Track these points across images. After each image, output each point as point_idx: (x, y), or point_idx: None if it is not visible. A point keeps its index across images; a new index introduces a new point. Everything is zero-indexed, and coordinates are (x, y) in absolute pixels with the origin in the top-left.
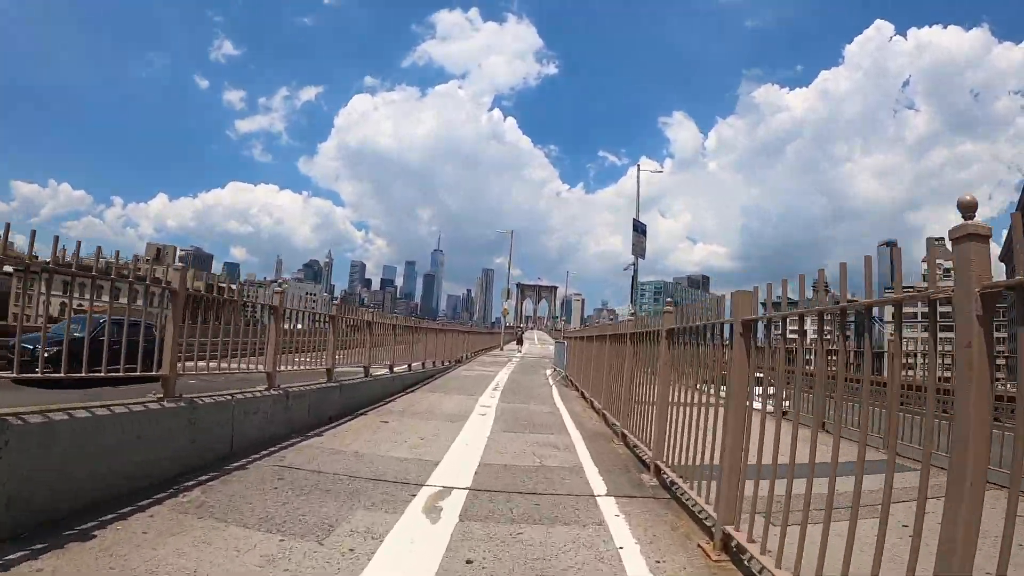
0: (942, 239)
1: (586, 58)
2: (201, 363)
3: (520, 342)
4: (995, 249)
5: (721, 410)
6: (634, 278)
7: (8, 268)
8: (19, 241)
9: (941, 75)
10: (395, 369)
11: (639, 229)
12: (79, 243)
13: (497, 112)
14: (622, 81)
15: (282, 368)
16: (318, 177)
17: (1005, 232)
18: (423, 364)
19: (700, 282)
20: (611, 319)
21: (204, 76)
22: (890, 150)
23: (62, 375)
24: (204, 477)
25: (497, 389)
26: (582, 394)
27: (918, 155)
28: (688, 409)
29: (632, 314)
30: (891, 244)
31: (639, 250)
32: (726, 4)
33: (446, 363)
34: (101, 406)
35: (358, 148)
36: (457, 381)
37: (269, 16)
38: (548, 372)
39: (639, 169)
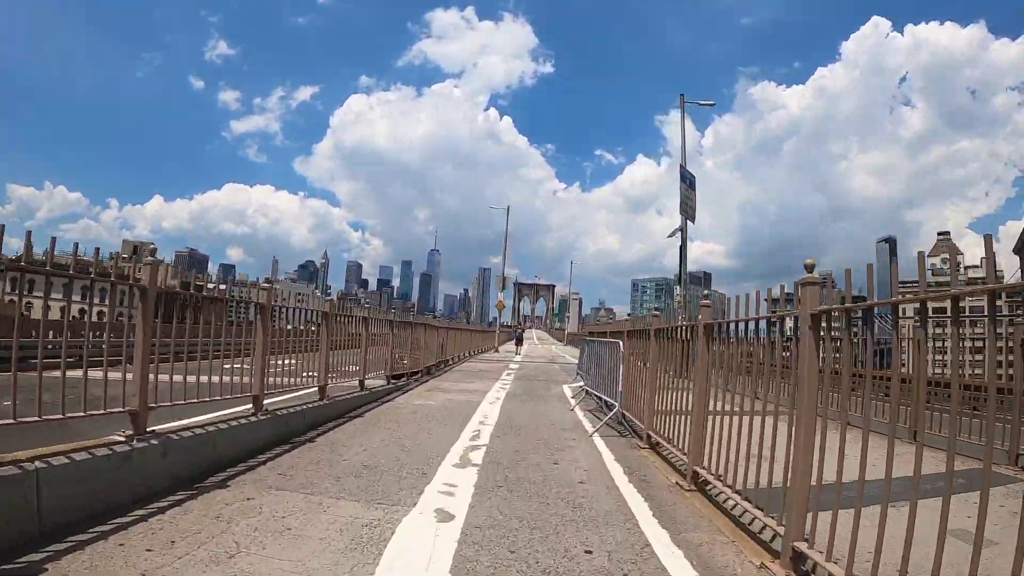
0: (948, 233)
1: (582, 56)
2: None
3: (519, 342)
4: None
5: None
6: (683, 249)
7: None
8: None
9: (938, 72)
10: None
11: (687, 180)
12: (54, 239)
13: (493, 111)
14: (619, 79)
15: None
16: (314, 178)
17: (1001, 227)
18: (321, 390)
19: (702, 279)
20: (610, 319)
21: (199, 76)
22: (887, 147)
23: None
24: None
25: (469, 462)
26: (694, 477)
27: (915, 152)
28: None
29: (680, 301)
30: (890, 241)
31: (688, 208)
32: (722, 1)
33: (414, 375)
34: None
35: (354, 148)
36: (389, 427)
37: (263, 15)
38: (567, 392)
39: (683, 102)
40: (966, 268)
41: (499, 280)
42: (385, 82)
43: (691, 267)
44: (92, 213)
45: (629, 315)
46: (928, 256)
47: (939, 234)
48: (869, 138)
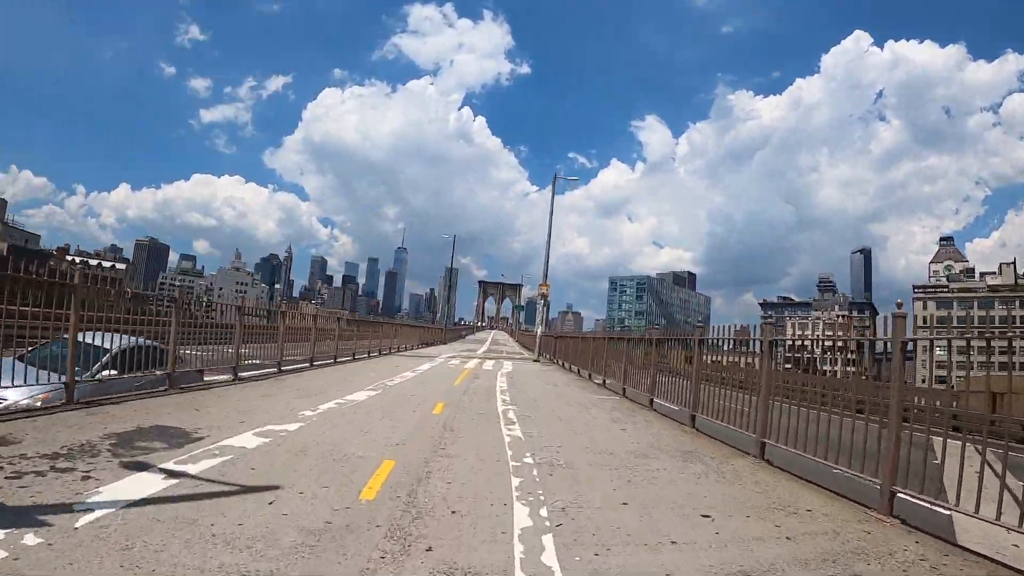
0: (951, 238)
1: (560, 59)
2: None
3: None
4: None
5: None
6: None
7: None
8: None
9: (914, 89)
10: None
11: None
12: None
13: (467, 110)
14: (596, 83)
15: None
16: (283, 171)
17: (968, 244)
18: None
19: (686, 279)
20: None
21: (170, 62)
22: (857, 161)
23: None
24: None
25: None
26: None
27: (885, 167)
28: None
29: None
30: (864, 251)
31: None
32: (704, 9)
33: None
34: None
35: (324, 142)
36: None
37: (237, 1)
38: None
39: None
40: (982, 275)
41: None
42: (359, 75)
43: (666, 270)
44: (57, 199)
45: (599, 320)
46: (931, 263)
47: (941, 239)
48: (840, 151)
